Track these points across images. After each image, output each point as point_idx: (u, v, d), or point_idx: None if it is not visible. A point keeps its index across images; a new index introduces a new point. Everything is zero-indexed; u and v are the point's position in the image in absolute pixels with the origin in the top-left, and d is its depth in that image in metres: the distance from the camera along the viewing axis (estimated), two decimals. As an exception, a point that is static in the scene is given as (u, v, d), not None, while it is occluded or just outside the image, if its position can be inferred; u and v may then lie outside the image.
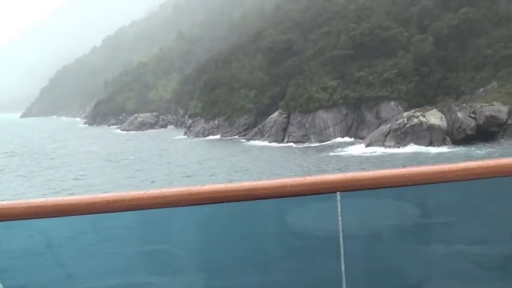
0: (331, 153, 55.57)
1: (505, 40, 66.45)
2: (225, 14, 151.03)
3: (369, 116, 67.56)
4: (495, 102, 58.24)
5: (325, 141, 65.07)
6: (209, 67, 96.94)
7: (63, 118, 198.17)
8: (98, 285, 2.18)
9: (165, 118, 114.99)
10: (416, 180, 2.03)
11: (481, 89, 64.83)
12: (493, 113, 56.56)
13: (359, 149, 55.80)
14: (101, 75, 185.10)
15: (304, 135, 66.97)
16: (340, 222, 2.04)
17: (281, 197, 2.01)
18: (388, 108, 66.80)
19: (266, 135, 70.26)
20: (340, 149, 58.41)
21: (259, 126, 74.29)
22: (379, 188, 2.02)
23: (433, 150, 52.86)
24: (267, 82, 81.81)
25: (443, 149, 52.85)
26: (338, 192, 2.02)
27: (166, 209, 2.00)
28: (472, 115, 58.11)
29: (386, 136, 56.77)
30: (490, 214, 2.21)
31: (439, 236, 2.23)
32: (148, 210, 2.00)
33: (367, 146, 57.08)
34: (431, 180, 2.03)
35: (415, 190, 2.07)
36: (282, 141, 67.46)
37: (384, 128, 58.58)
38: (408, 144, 54.74)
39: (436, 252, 2.20)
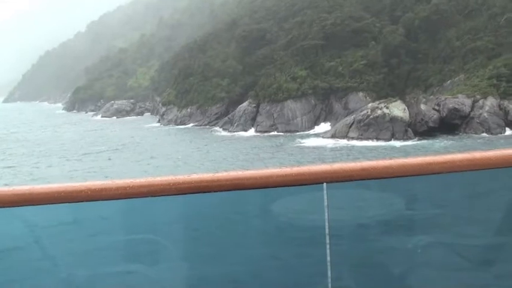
0: (296, 144, 55.47)
1: (474, 32, 66.48)
2: (206, 0, 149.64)
3: (337, 107, 67.51)
4: (459, 95, 58.28)
5: (293, 131, 64.94)
6: (184, 55, 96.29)
7: (45, 104, 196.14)
8: (83, 274, 2.15)
9: (143, 105, 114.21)
10: (403, 171, 2.04)
11: (449, 81, 64.92)
12: (456, 106, 56.64)
13: (321, 141, 55.73)
14: (84, 61, 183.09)
15: (271, 125, 66.85)
16: (326, 213, 2.05)
17: (268, 187, 2.02)
18: (357, 99, 66.75)
19: (235, 124, 70.03)
20: (305, 139, 58.30)
21: (230, 115, 74.00)
22: (366, 179, 2.04)
23: (384, 143, 52.98)
24: (240, 71, 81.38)
25: (396, 143, 52.85)
26: (325, 183, 2.02)
27: (153, 198, 1.99)
28: (437, 107, 58.21)
29: (350, 127, 56.77)
30: (475, 206, 2.23)
31: (425, 227, 2.24)
32: (134, 199, 1.99)
33: (331, 137, 57.05)
34: (418, 171, 2.05)
35: (401, 181, 2.09)
36: (251, 130, 67.30)
37: (348, 119, 58.60)
38: (371, 135, 54.80)
39: (422, 244, 2.21)
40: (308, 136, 60.43)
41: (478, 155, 2.07)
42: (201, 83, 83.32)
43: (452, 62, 66.29)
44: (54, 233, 2.13)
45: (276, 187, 2.02)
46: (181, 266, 2.20)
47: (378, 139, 54.38)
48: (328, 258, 2.08)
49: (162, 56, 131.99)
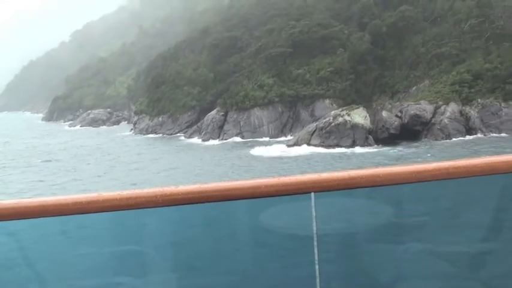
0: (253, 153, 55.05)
1: (439, 38, 66.80)
2: (188, 9, 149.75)
3: (304, 114, 67.41)
4: (422, 101, 58.35)
5: (259, 138, 64.68)
6: (157, 63, 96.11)
7: (27, 114, 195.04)
8: (70, 287, 2.13)
9: (120, 114, 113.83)
10: (391, 180, 2.05)
11: (414, 88, 65.10)
12: (418, 112, 56.66)
13: (282, 149, 55.48)
14: (68, 70, 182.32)
15: (238, 133, 66.62)
16: (314, 223, 2.05)
17: (255, 197, 2.01)
18: (323, 106, 66.68)
19: (203, 133, 69.76)
20: (268, 147, 58.00)
21: (199, 124, 73.75)
22: (354, 188, 2.04)
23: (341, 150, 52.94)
24: (212, 79, 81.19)
25: (346, 150, 52.63)
26: (312, 193, 2.02)
27: (140, 210, 1.98)
28: (399, 114, 58.21)
29: (312, 135, 56.57)
30: (462, 214, 2.23)
31: (413, 235, 2.24)
32: (122, 212, 1.98)
33: (294, 145, 56.77)
34: (406, 180, 2.05)
35: (389, 190, 2.09)
36: (218, 139, 67.03)
37: (311, 126, 58.41)
38: (332, 143, 54.63)
39: (410, 252, 2.21)
40: (265, 144, 59.89)
41: (463, 162, 2.08)
42: (172, 91, 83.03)
43: (418, 68, 66.52)
44: (41, 246, 2.11)
45: (263, 197, 2.01)
46: (169, 278, 2.18)
47: (339, 146, 54.21)
48: (317, 268, 2.07)
49: (142, 65, 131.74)
